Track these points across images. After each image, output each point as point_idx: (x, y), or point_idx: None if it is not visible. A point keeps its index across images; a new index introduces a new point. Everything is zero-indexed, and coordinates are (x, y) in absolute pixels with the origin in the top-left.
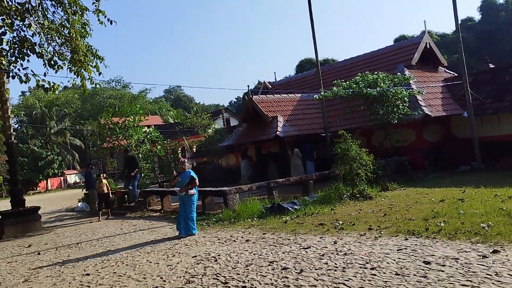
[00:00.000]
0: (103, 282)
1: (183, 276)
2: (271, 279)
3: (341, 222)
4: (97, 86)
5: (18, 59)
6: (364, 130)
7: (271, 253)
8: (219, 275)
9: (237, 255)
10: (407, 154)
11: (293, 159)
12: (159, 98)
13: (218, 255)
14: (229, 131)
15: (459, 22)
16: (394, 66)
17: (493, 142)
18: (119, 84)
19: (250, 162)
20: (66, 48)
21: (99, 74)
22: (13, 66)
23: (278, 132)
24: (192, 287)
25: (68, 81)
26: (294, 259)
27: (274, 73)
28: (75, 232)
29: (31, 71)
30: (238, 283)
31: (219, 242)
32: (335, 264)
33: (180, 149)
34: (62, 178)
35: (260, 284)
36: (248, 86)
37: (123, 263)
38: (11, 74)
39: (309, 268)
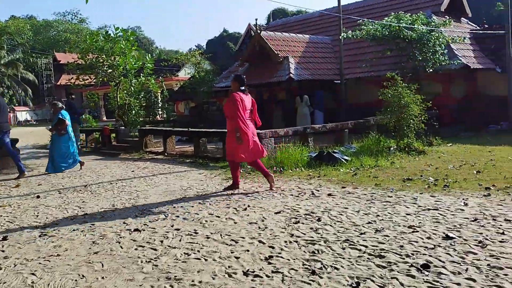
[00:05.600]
0: (170, 243)
1: (295, 242)
2: (450, 254)
3: (432, 179)
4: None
5: None
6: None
7: (389, 213)
8: (350, 243)
9: (340, 214)
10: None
11: (300, 107)
12: (117, 38)
13: (312, 213)
14: (218, 72)
15: None
16: (420, 10)
17: None
18: (76, 17)
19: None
20: None
21: None
22: None
23: (291, 75)
24: (329, 259)
25: None
26: (442, 226)
27: (256, 19)
28: (69, 173)
29: None
30: (399, 258)
31: (292, 196)
32: None
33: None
34: (12, 114)
35: (443, 262)
36: (256, 19)
37: (178, 217)
38: None
39: (490, 240)
